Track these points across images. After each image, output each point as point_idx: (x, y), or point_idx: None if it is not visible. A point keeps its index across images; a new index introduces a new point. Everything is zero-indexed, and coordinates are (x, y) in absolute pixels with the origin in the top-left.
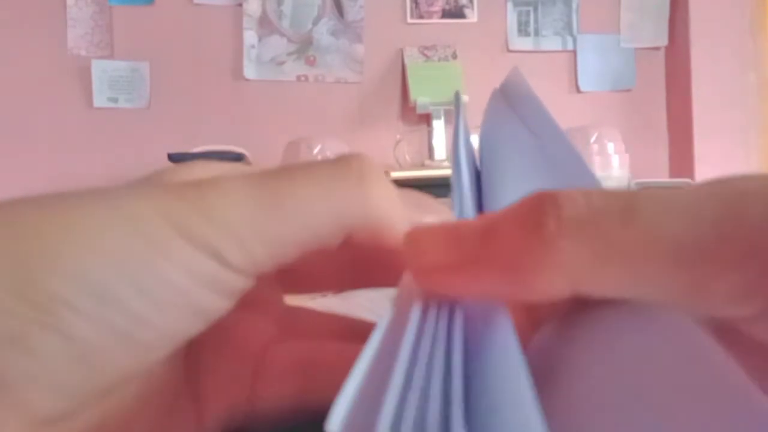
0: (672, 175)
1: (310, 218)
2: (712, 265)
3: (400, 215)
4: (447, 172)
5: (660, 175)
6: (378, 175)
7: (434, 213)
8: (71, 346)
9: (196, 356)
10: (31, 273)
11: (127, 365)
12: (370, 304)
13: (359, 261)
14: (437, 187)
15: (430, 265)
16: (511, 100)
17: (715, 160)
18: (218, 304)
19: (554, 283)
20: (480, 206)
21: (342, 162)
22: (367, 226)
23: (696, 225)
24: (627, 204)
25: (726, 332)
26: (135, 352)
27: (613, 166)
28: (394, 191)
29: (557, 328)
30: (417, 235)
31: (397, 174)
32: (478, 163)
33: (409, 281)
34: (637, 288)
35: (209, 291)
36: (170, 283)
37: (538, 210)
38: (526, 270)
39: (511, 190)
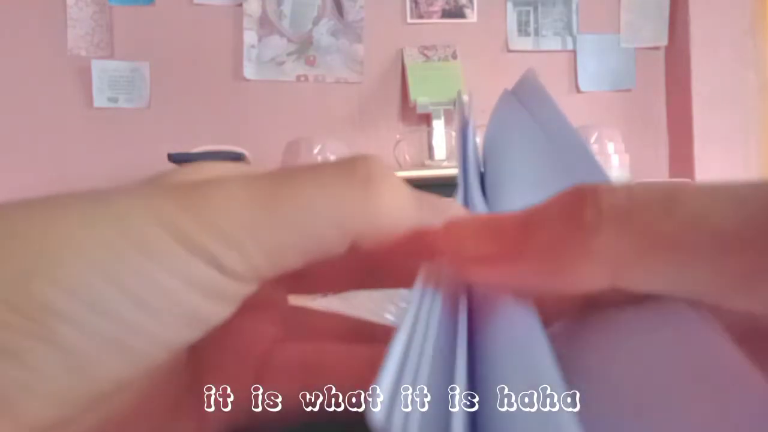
0: (672, 175)
1: (312, 225)
2: (760, 254)
3: (409, 221)
4: (447, 172)
5: (660, 175)
6: (386, 179)
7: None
8: (64, 356)
9: (198, 357)
10: (22, 283)
11: (122, 373)
12: (371, 305)
13: (364, 263)
14: (437, 187)
15: (470, 255)
16: (526, 102)
17: (715, 160)
18: (217, 311)
19: (595, 273)
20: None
21: (347, 165)
22: (373, 233)
23: (743, 213)
24: (669, 194)
25: (754, 336)
26: (130, 360)
27: (613, 166)
28: (404, 195)
29: (566, 329)
30: (457, 226)
31: (397, 174)
32: (481, 160)
33: (429, 275)
34: (681, 278)
35: (207, 298)
36: (166, 291)
37: (578, 201)
38: (567, 260)
39: (523, 191)
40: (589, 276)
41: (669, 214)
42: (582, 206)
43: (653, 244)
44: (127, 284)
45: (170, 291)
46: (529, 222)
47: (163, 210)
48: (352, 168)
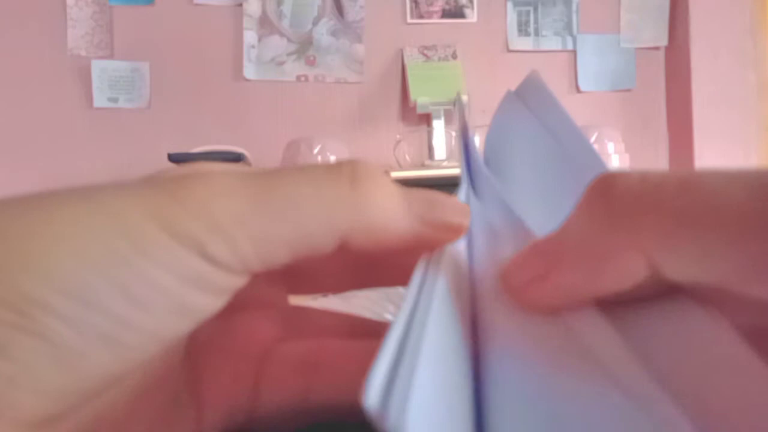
0: None
1: (300, 218)
2: None
3: (399, 218)
4: (447, 172)
5: None
6: (372, 178)
7: (448, 210)
8: (53, 350)
9: (196, 356)
10: (9, 276)
11: (113, 367)
12: (370, 304)
13: (361, 262)
14: (437, 187)
15: (522, 281)
16: (530, 103)
17: (714, 160)
18: (207, 303)
19: (632, 260)
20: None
21: (335, 165)
22: (362, 230)
23: (760, 194)
24: (684, 177)
25: (756, 333)
26: (120, 354)
27: (613, 166)
28: (392, 192)
29: None
30: (508, 266)
31: (397, 174)
32: (481, 161)
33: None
34: (707, 260)
35: (196, 290)
36: (154, 282)
37: (596, 194)
38: (604, 252)
39: (530, 192)
40: (627, 263)
41: (686, 192)
42: (599, 197)
43: (676, 220)
44: (116, 277)
45: (159, 282)
46: (561, 231)
47: (152, 202)
48: (338, 168)
